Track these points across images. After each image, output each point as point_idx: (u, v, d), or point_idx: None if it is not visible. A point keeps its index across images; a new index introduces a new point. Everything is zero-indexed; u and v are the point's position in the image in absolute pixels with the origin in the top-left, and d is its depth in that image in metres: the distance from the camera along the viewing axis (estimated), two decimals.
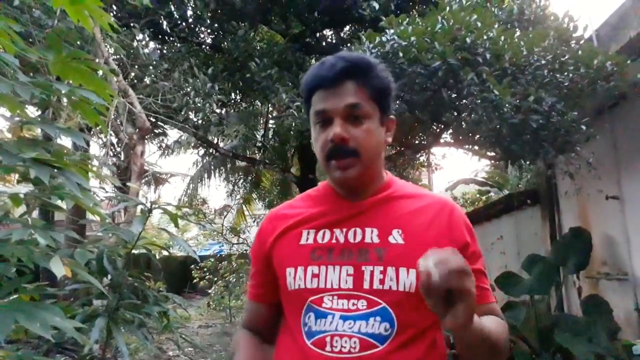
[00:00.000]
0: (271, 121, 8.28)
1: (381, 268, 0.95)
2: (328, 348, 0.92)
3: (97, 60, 3.10)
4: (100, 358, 1.98)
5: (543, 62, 3.59)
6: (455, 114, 4.14)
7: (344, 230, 1.01)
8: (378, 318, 0.92)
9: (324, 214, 1.05)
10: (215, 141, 8.18)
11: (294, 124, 5.29)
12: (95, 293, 2.04)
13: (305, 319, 0.98)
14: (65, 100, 2.12)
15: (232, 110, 7.55)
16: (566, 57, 3.63)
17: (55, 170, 1.36)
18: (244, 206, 12.84)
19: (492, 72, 3.48)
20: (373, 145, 1.00)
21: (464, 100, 3.70)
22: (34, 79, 1.36)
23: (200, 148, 8.79)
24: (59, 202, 1.57)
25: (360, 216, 1.02)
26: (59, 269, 1.29)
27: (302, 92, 1.06)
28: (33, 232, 1.44)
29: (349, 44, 6.06)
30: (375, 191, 1.06)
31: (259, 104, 7.66)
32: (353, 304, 0.94)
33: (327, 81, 0.97)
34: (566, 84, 3.57)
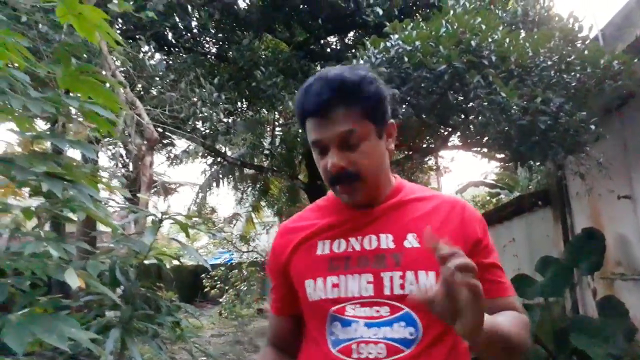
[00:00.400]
0: (278, 128, 8.32)
1: (400, 273, 0.95)
2: (355, 355, 0.92)
3: (104, 73, 3.14)
4: None
5: (549, 62, 3.58)
6: (463, 116, 4.13)
7: (359, 238, 1.01)
8: (402, 323, 0.93)
9: (337, 224, 1.05)
10: (223, 150, 8.21)
11: (300, 131, 5.29)
12: (109, 304, 2.05)
13: (331, 328, 0.98)
14: (73, 113, 2.14)
15: (239, 119, 7.60)
16: (572, 57, 3.61)
17: (67, 182, 1.38)
18: (253, 214, 12.86)
19: (498, 74, 3.47)
20: (374, 163, 0.99)
21: (471, 103, 3.69)
22: (44, 94, 1.38)
23: (208, 157, 8.84)
24: (70, 215, 1.58)
25: (373, 223, 1.02)
26: (74, 280, 1.30)
27: (296, 116, 1.06)
28: (46, 245, 1.45)
29: (353, 50, 6.07)
30: (386, 198, 1.05)
31: (266, 111, 7.70)
32: (376, 311, 0.94)
33: (314, 111, 0.96)
34: (573, 84, 3.55)
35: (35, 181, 1.28)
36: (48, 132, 1.83)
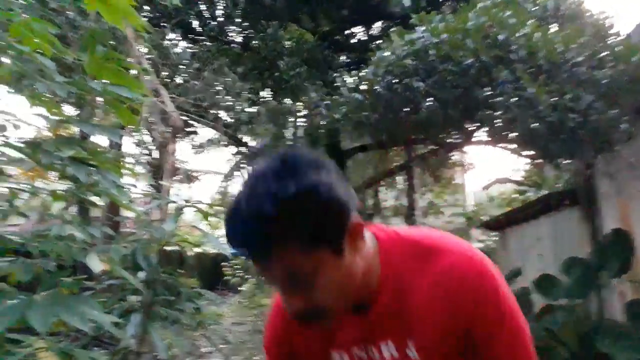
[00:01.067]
0: (301, 119, 8.32)
1: None
2: None
3: (129, 60, 3.17)
4: (137, 352, 2.03)
5: (580, 59, 3.48)
6: (489, 112, 4.06)
7: (363, 347, 0.91)
8: None
9: (335, 330, 0.93)
10: (246, 139, 8.27)
11: (323, 122, 5.29)
12: (131, 289, 2.08)
13: None
14: (99, 100, 2.17)
15: (262, 109, 7.63)
16: (604, 53, 3.52)
17: (91, 168, 1.40)
18: None
19: (526, 70, 3.40)
20: (336, 290, 0.80)
21: (498, 98, 3.63)
22: (70, 79, 1.40)
23: (231, 146, 8.91)
24: (95, 199, 1.61)
25: (373, 331, 0.91)
26: (96, 264, 1.33)
27: None
28: (71, 228, 1.48)
29: (378, 41, 6.02)
30: (375, 291, 0.88)
31: (289, 102, 7.71)
32: None
33: (242, 255, 0.79)
34: (604, 81, 3.45)
35: (60, 165, 1.30)
36: (75, 117, 1.86)
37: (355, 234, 0.81)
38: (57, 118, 1.62)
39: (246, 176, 0.77)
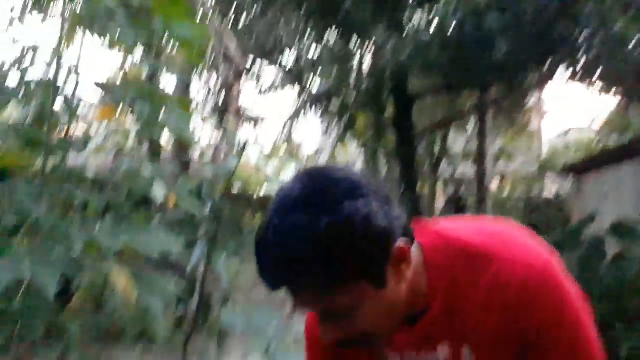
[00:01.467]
0: (365, 61, 8.13)
1: None
2: None
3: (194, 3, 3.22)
4: (203, 278, 2.21)
5: None
6: (571, 50, 3.77)
7: (416, 354, 0.87)
8: None
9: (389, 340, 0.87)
10: (310, 81, 8.26)
11: (389, 64, 5.15)
12: (200, 221, 2.24)
13: None
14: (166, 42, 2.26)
15: (326, 51, 7.53)
16: None
17: (159, 105, 1.49)
18: (339, 144, 13.06)
19: (614, 3, 3.09)
20: (379, 319, 0.76)
21: (582, 35, 3.35)
22: (135, 20, 1.47)
23: (295, 88, 8.96)
24: (162, 136, 1.72)
25: (425, 339, 0.86)
26: (160, 194, 1.44)
27: None
28: (141, 163, 1.61)
29: None
30: (422, 305, 0.82)
31: (353, 43, 7.53)
32: None
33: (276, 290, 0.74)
34: None
35: (128, 104, 1.40)
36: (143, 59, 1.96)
37: (400, 260, 0.74)
38: (128, 60, 1.71)
39: (275, 199, 0.71)
